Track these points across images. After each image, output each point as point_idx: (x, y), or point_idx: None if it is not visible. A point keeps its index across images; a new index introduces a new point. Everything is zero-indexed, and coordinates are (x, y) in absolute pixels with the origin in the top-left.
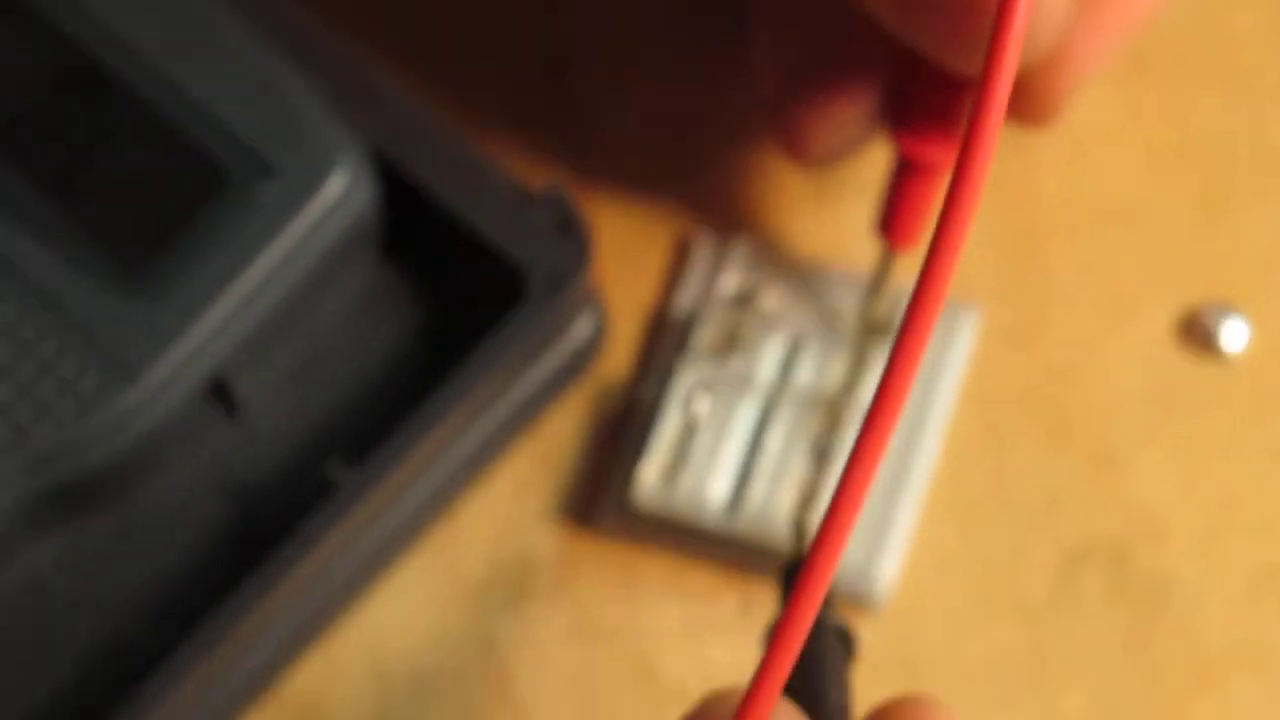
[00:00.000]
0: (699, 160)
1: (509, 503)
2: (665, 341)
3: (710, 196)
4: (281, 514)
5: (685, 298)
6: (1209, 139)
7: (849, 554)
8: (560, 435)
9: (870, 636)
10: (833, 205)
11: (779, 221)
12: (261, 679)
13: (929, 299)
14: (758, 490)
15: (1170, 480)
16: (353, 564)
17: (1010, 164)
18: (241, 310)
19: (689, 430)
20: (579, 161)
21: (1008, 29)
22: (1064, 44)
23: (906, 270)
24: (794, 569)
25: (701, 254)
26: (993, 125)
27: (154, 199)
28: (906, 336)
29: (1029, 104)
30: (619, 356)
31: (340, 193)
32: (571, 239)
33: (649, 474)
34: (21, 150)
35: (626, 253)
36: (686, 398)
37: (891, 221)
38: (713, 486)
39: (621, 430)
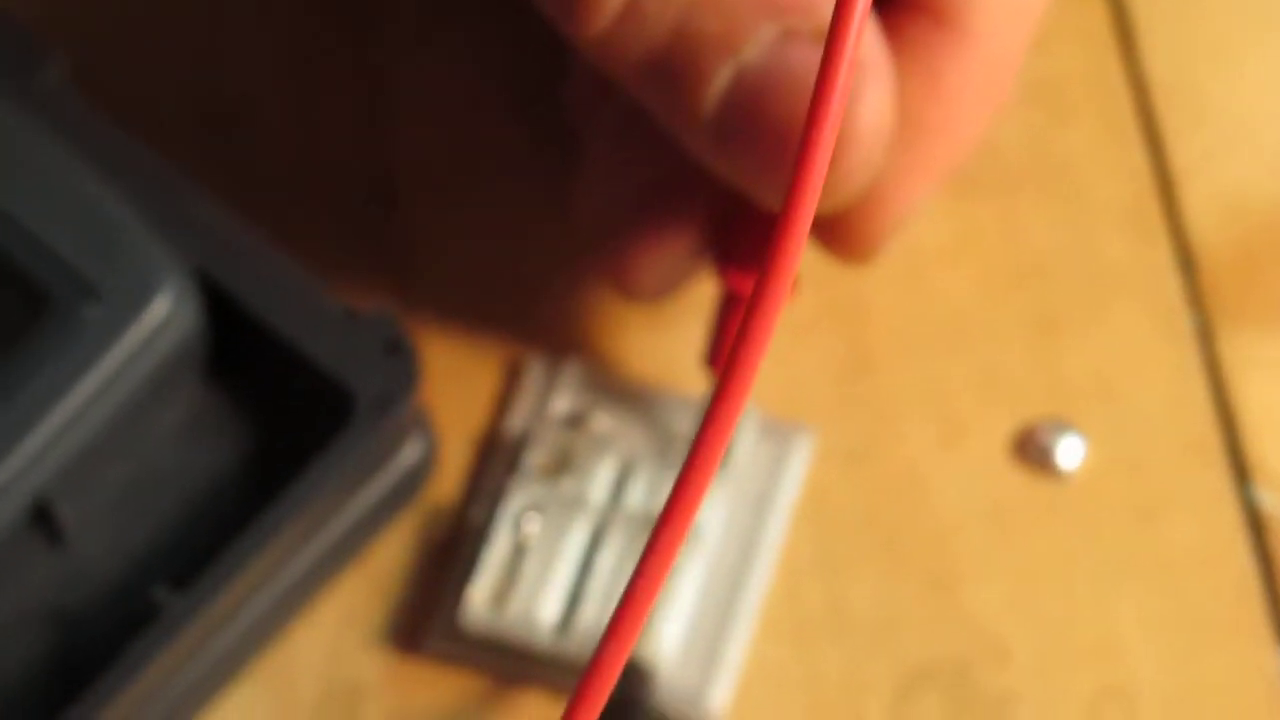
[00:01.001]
0: (530, 283)
1: (338, 629)
2: (496, 463)
3: (542, 319)
4: (106, 641)
5: (516, 419)
6: (1041, 259)
7: (683, 677)
8: (389, 559)
9: None
10: (664, 329)
11: (610, 344)
12: None
13: (722, 418)
14: (589, 612)
15: (1009, 600)
16: (179, 692)
17: (844, 285)
18: (64, 434)
19: (519, 552)
20: (406, 286)
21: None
22: (882, 184)
23: None
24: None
25: (533, 376)
26: (794, 250)
27: None
28: (697, 456)
29: (850, 241)
30: (449, 479)
31: (165, 314)
32: (399, 359)
33: (478, 595)
34: None
35: (457, 375)
36: (517, 519)
37: (719, 354)
38: (543, 608)
39: (451, 553)
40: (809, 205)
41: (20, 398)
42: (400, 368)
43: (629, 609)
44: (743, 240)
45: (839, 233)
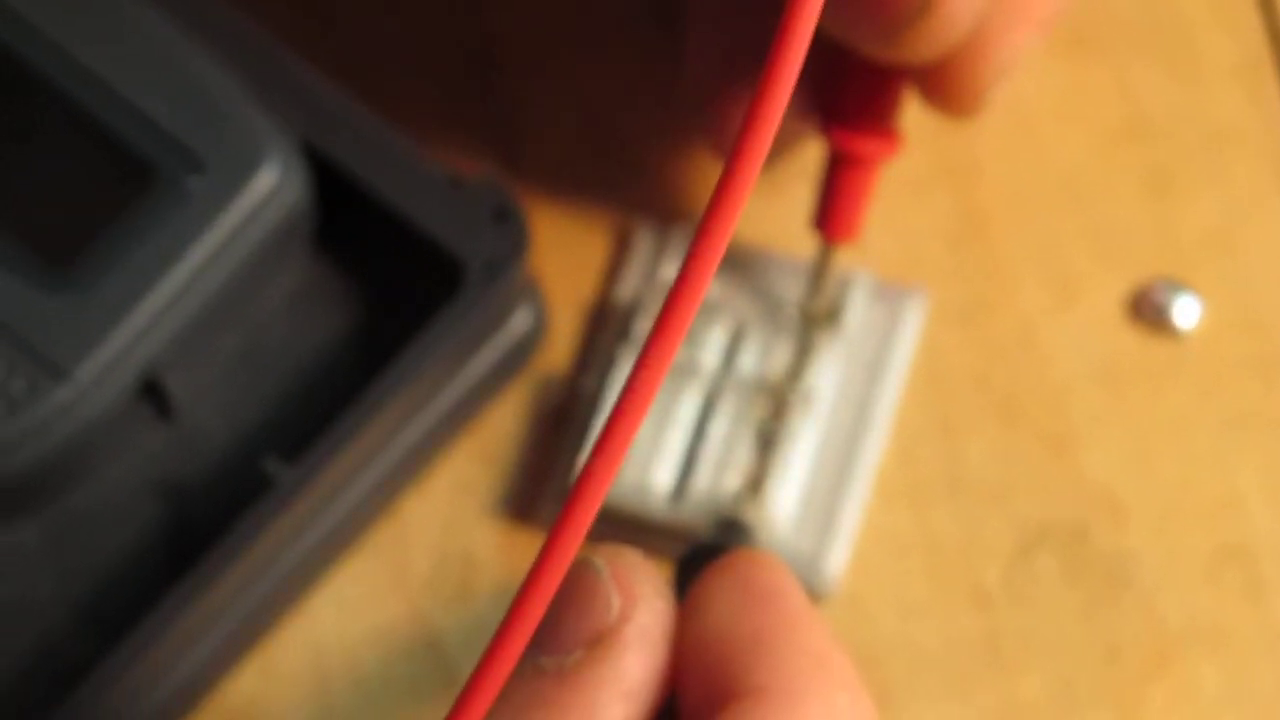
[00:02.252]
0: (636, 150)
1: (450, 499)
2: (607, 332)
3: (649, 186)
4: (217, 513)
5: (626, 288)
6: (1154, 117)
7: (798, 543)
8: (501, 429)
9: None
10: (772, 193)
11: None
12: (199, 683)
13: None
14: (702, 479)
15: (1126, 460)
16: (291, 563)
17: (953, 145)
18: (173, 306)
19: None
20: (511, 155)
21: None
22: (982, 31)
23: (847, 260)
24: (696, 558)
25: (642, 243)
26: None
27: (80, 195)
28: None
29: (952, 93)
30: (559, 349)
31: (271, 185)
32: (507, 227)
33: None
34: None
35: (565, 244)
36: None
37: (827, 216)
38: (657, 476)
39: (563, 423)
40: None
41: (127, 270)
42: (508, 234)
43: (607, 439)
44: (848, 98)
45: (941, 83)
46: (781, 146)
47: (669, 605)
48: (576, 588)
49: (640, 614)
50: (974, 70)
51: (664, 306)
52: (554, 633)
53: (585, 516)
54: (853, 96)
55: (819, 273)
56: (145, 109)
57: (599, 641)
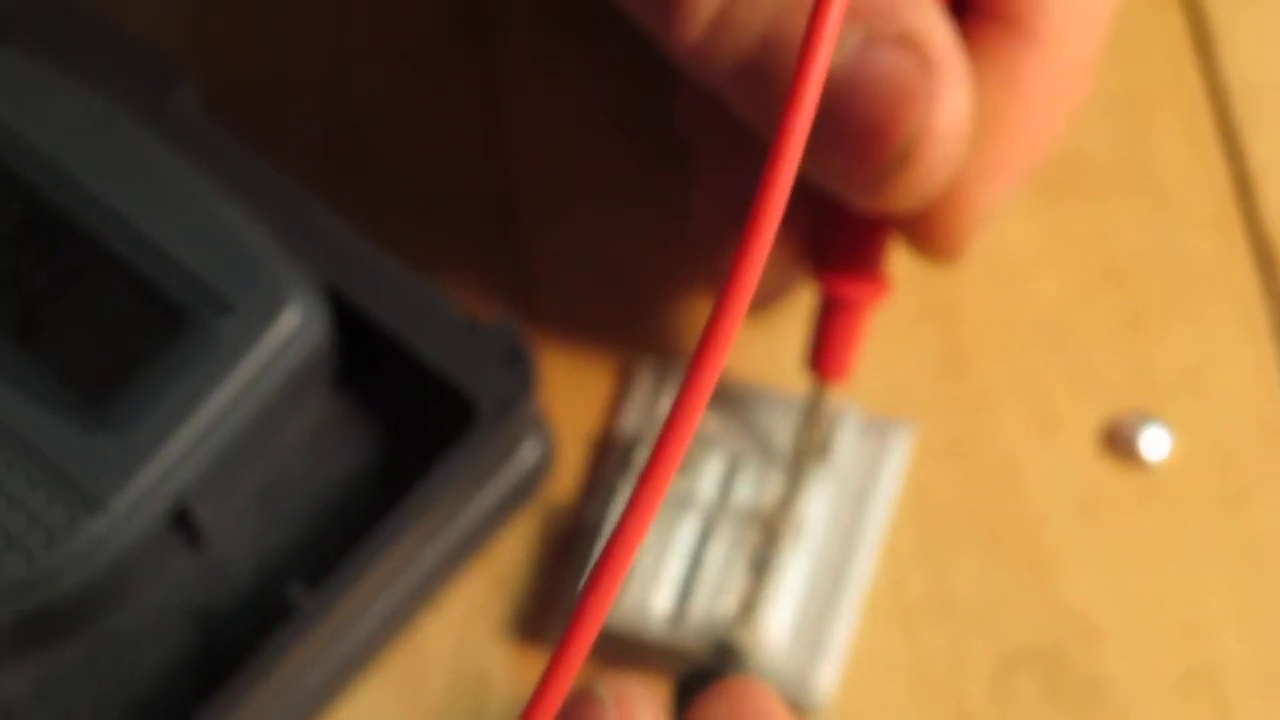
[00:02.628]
0: (641, 290)
1: (464, 622)
2: (610, 463)
3: (652, 325)
4: (243, 636)
5: (629, 420)
6: (1128, 258)
7: (790, 663)
8: (511, 555)
9: None
10: (767, 333)
11: None
12: None
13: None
14: (699, 602)
15: (1101, 585)
16: (312, 686)
17: (939, 288)
18: (202, 441)
19: None
20: (524, 297)
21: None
22: (964, 183)
23: (837, 396)
24: (693, 681)
25: (643, 378)
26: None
27: (117, 337)
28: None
29: (935, 239)
30: (566, 479)
31: (295, 327)
32: (518, 368)
33: None
34: None
35: (572, 379)
36: None
37: (820, 357)
38: (656, 600)
39: (569, 549)
40: (796, 144)
41: (160, 407)
42: (519, 375)
43: (609, 559)
44: (837, 246)
45: (924, 231)
46: (776, 292)
47: None
48: (582, 716)
49: None
50: (955, 219)
51: (660, 436)
52: None
53: (588, 633)
54: (842, 244)
55: (811, 410)
56: (177, 255)
57: None
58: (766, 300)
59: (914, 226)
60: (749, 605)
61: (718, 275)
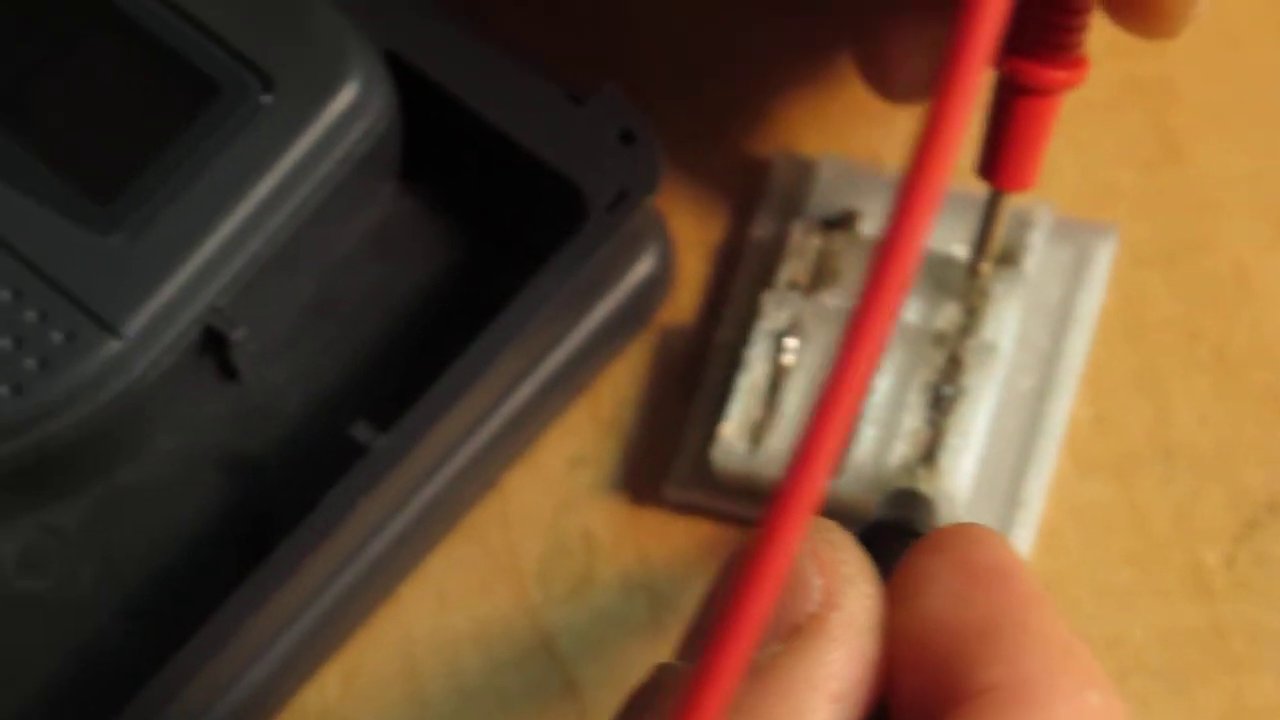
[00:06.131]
0: (773, 75)
1: (564, 474)
2: (742, 278)
3: (788, 115)
4: (294, 490)
5: (764, 227)
6: None
7: (976, 519)
8: (621, 392)
9: None
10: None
11: (871, 136)
12: (273, 692)
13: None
14: (864, 446)
15: None
16: (381, 550)
17: (1147, 60)
18: (237, 247)
19: (777, 379)
20: (625, 75)
21: None
22: None
23: (1023, 195)
24: (875, 536)
25: (782, 176)
26: None
27: (129, 117)
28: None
29: (1150, 10)
30: (686, 298)
31: (352, 104)
32: (636, 150)
33: (731, 432)
34: None
35: (691, 177)
36: (772, 341)
37: (998, 161)
38: None
39: (694, 384)
40: None
41: (184, 206)
42: (638, 159)
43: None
44: (1029, 22)
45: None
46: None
47: (880, 590)
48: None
49: (848, 600)
50: None
51: (876, 265)
52: None
53: (809, 498)
54: (1024, 21)
55: (989, 224)
56: (204, 17)
57: (799, 633)
58: (923, 90)
59: None
60: (926, 450)
61: (873, 66)
